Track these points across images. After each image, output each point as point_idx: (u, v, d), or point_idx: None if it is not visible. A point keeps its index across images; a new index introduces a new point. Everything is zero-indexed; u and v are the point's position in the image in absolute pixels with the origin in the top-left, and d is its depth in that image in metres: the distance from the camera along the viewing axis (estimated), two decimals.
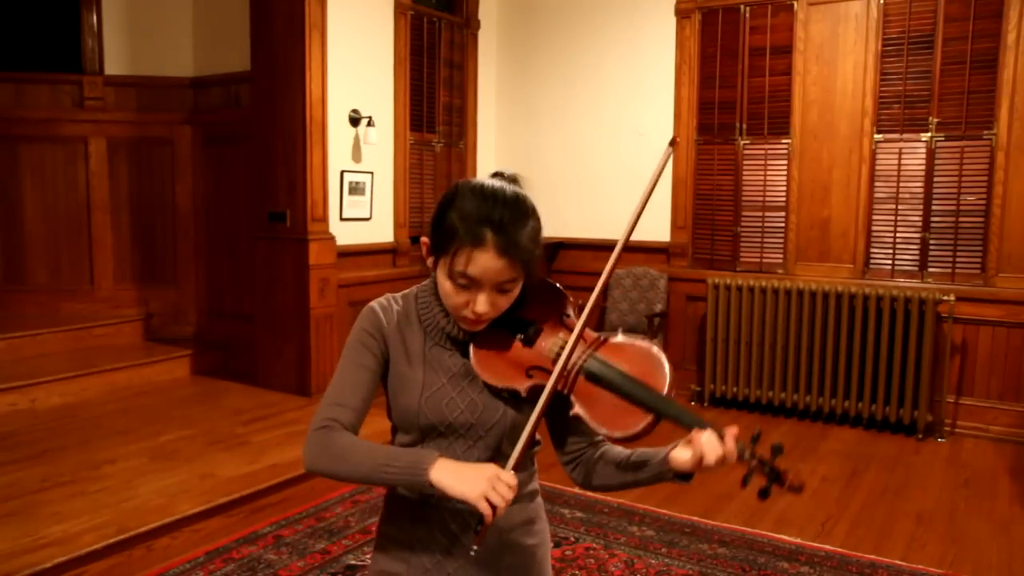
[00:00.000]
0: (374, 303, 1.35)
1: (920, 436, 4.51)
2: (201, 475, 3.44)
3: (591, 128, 5.67)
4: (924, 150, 4.63)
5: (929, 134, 4.61)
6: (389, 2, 5.08)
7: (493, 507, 1.10)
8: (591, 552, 3.04)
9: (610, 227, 5.54)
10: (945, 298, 4.43)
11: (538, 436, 1.37)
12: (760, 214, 5.11)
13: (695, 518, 3.35)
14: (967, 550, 3.12)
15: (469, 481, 1.12)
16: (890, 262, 4.76)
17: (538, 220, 1.23)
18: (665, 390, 1.17)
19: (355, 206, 4.94)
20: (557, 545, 3.08)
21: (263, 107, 4.75)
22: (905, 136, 4.68)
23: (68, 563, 2.67)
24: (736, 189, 5.16)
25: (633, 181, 5.49)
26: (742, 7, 5.06)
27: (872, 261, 4.82)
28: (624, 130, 5.53)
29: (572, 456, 1.31)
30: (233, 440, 3.93)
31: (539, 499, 1.41)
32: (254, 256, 4.92)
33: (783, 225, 5.03)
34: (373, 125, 4.89)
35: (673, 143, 1.28)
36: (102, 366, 4.76)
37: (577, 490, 3.59)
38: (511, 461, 1.17)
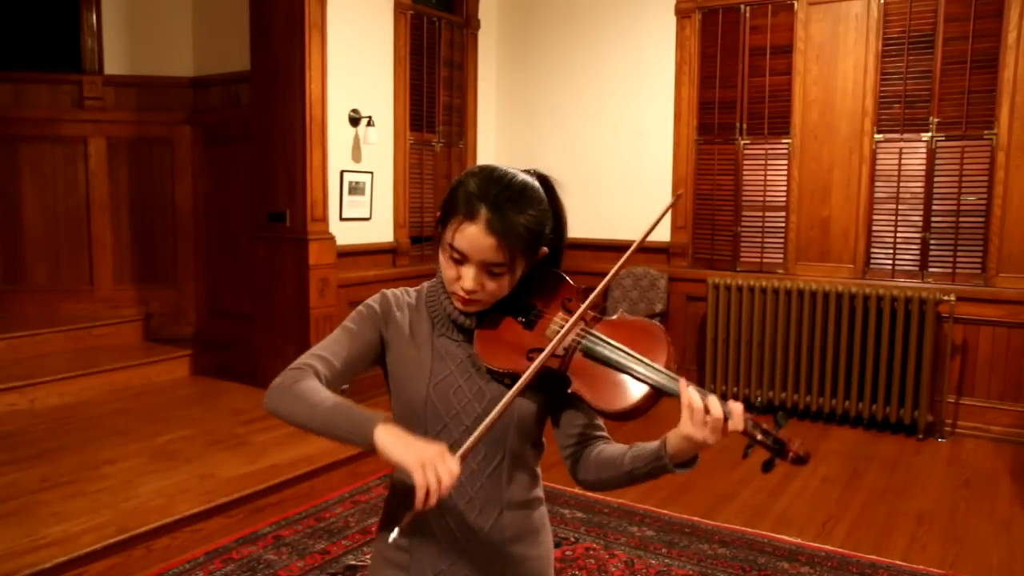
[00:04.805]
0: (387, 290, 1.35)
1: (920, 436, 4.50)
2: (201, 475, 3.44)
3: (591, 128, 5.66)
4: (924, 150, 4.63)
5: (929, 134, 4.60)
6: (389, 2, 5.08)
7: (428, 490, 1.04)
8: (591, 552, 3.04)
9: (610, 227, 5.52)
10: (945, 298, 4.43)
11: (544, 439, 1.36)
12: (760, 214, 5.10)
13: (695, 518, 3.35)
14: (967, 550, 3.12)
15: (413, 448, 1.07)
16: (890, 262, 4.76)
17: (544, 213, 1.22)
18: (663, 362, 1.16)
19: (355, 206, 4.94)
20: (557, 545, 3.08)
21: (263, 107, 4.75)
22: (905, 136, 4.68)
23: (68, 563, 2.67)
24: (736, 189, 5.16)
25: (633, 181, 5.49)
26: (742, 7, 5.05)
27: (872, 261, 4.81)
28: (624, 130, 5.52)
29: (571, 451, 1.27)
30: (233, 440, 3.93)
31: (543, 508, 1.37)
32: (254, 256, 4.91)
33: (783, 225, 5.03)
34: (373, 125, 4.89)
35: (678, 197, 1.27)
36: (102, 366, 4.76)
37: (578, 490, 3.59)
38: (469, 440, 1.12)
